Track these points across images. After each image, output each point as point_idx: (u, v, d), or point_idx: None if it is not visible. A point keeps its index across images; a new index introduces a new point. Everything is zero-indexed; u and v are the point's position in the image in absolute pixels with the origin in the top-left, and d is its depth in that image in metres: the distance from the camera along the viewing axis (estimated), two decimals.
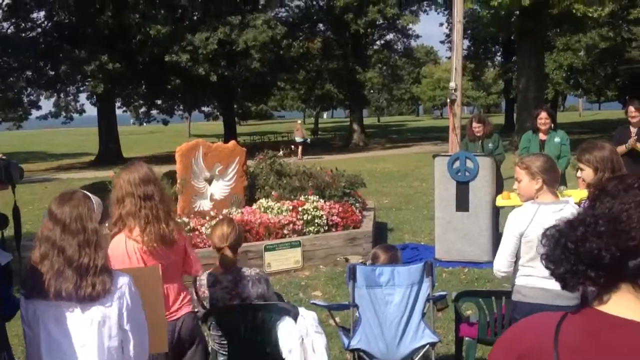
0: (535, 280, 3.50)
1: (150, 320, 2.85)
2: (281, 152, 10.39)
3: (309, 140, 28.71)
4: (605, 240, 1.21)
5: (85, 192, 2.79)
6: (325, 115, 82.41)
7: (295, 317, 3.81)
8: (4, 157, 3.18)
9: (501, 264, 3.66)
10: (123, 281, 2.66)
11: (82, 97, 33.42)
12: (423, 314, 4.18)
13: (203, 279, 3.99)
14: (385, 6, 33.33)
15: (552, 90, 44.48)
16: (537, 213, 3.51)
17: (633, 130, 7.70)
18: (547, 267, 1.29)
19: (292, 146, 27.13)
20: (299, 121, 33.05)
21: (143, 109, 35.38)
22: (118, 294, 2.61)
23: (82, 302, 2.56)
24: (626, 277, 1.22)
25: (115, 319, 2.60)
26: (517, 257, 3.62)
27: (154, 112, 35.75)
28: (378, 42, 43.90)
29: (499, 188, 8.23)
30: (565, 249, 1.25)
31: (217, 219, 6.32)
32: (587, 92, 51.53)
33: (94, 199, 2.76)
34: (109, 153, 30.65)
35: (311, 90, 45.54)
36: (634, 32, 32.72)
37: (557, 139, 7.92)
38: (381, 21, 37.60)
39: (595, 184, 1.41)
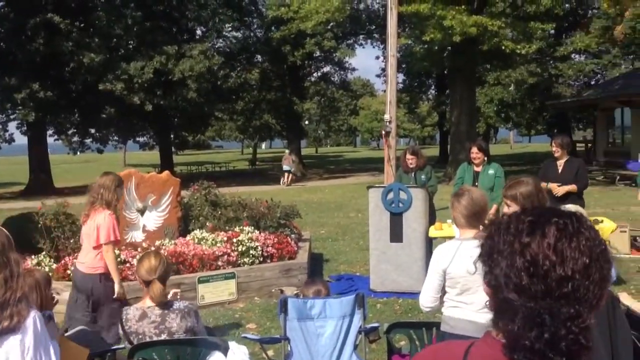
0: (464, 312, 3.52)
1: None
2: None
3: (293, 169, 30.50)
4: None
5: None
6: (263, 146, 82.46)
7: (225, 351, 3.73)
8: None
9: (426, 300, 3.68)
10: (32, 314, 2.53)
11: (12, 125, 32.26)
12: (355, 346, 4.17)
13: (130, 313, 3.87)
14: (322, 39, 33.79)
15: (484, 123, 45.90)
16: (458, 249, 3.53)
17: (559, 163, 7.96)
18: None
19: (285, 174, 29.75)
20: (287, 151, 33.98)
21: (76, 138, 34.56)
22: (25, 325, 2.48)
23: None
24: None
25: (18, 352, 2.47)
26: (444, 291, 3.64)
27: (87, 140, 34.96)
28: (315, 74, 44.49)
29: (432, 219, 8.38)
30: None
31: (147, 251, 6.18)
32: (518, 126, 53.39)
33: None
34: (40, 183, 29.67)
35: (249, 120, 45.56)
36: (560, 68, 34.25)
37: (490, 171, 8.11)
38: (318, 54, 38.09)
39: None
